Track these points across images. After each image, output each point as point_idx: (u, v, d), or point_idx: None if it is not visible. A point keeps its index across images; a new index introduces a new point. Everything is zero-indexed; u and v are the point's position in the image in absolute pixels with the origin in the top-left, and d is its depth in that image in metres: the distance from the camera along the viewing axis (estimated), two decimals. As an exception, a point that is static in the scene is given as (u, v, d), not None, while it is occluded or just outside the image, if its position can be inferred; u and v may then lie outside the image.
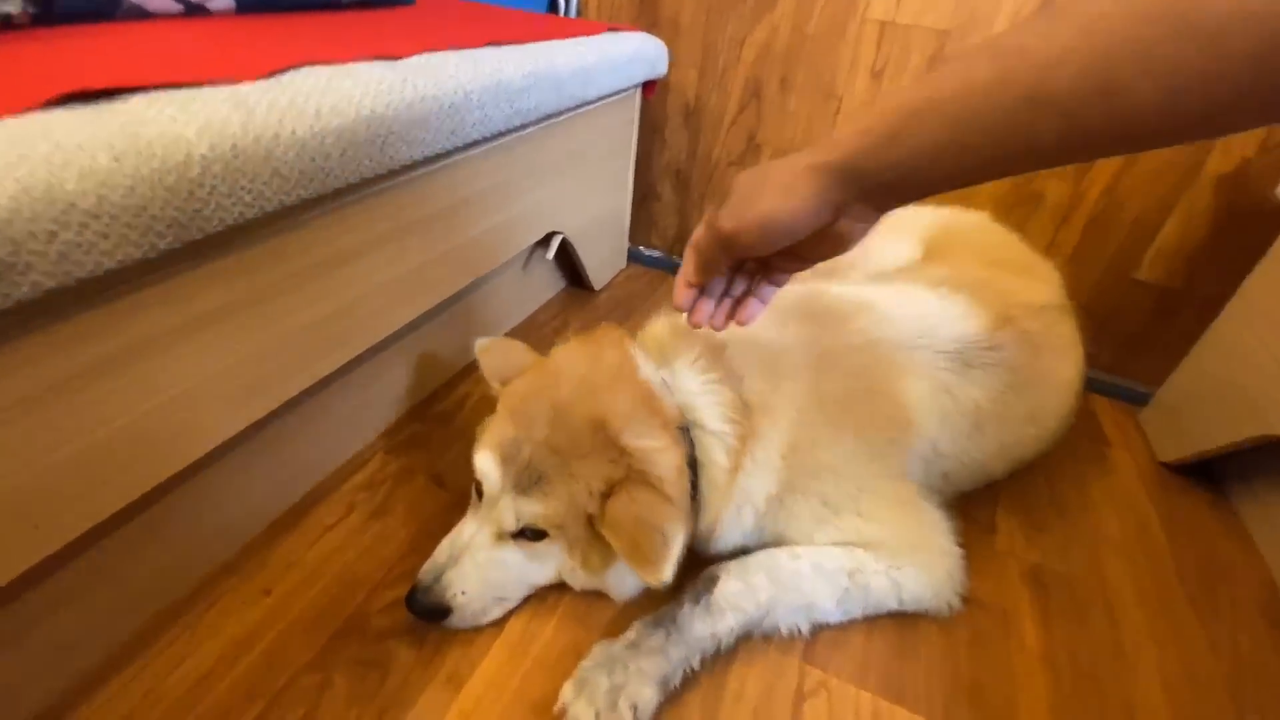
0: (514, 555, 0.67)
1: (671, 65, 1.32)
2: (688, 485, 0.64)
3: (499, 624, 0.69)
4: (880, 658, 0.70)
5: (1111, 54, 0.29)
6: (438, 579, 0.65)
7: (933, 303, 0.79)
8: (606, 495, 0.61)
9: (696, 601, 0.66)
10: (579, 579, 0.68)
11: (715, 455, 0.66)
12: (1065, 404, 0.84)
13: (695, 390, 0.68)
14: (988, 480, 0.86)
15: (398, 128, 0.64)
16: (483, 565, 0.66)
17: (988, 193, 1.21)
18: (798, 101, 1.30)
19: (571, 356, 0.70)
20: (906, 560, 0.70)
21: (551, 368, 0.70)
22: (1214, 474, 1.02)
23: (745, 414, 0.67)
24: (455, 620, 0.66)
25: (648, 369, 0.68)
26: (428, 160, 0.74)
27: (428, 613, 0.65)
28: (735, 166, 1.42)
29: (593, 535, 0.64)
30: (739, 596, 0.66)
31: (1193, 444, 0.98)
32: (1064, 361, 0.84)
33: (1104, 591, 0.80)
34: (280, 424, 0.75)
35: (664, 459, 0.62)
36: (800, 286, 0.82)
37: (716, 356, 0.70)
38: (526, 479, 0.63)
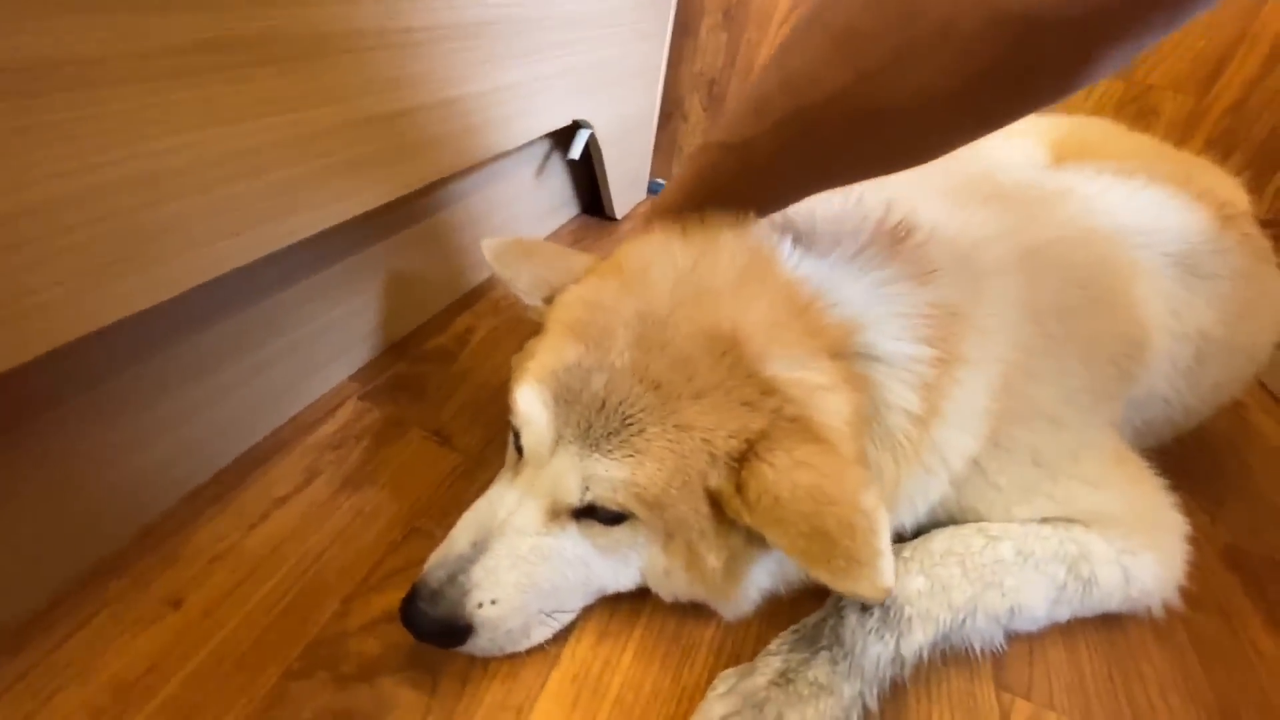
0: (576, 545, 0.42)
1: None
2: (865, 442, 0.41)
3: (550, 650, 0.45)
4: (1098, 680, 0.49)
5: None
6: (453, 578, 0.40)
7: (1144, 192, 0.57)
8: (741, 458, 0.38)
9: (866, 609, 0.43)
10: (678, 586, 0.44)
11: (898, 394, 0.42)
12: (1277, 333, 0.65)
13: (865, 295, 0.44)
14: (1176, 433, 0.66)
15: None
16: (527, 559, 0.41)
17: (1095, 102, 1.02)
18: (869, -9, 1.06)
19: (662, 248, 0.44)
20: (1141, 542, 0.49)
21: (632, 265, 0.45)
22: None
23: (947, 331, 0.43)
24: (479, 644, 0.41)
25: (796, 261, 0.44)
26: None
27: (437, 631, 0.40)
28: (784, 75, 1.18)
29: (713, 521, 0.40)
30: (927, 599, 0.44)
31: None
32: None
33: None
34: (200, 339, 0.48)
35: (831, 401, 0.39)
36: (955, 165, 0.59)
37: (895, 247, 0.46)
38: (601, 427, 0.39)
